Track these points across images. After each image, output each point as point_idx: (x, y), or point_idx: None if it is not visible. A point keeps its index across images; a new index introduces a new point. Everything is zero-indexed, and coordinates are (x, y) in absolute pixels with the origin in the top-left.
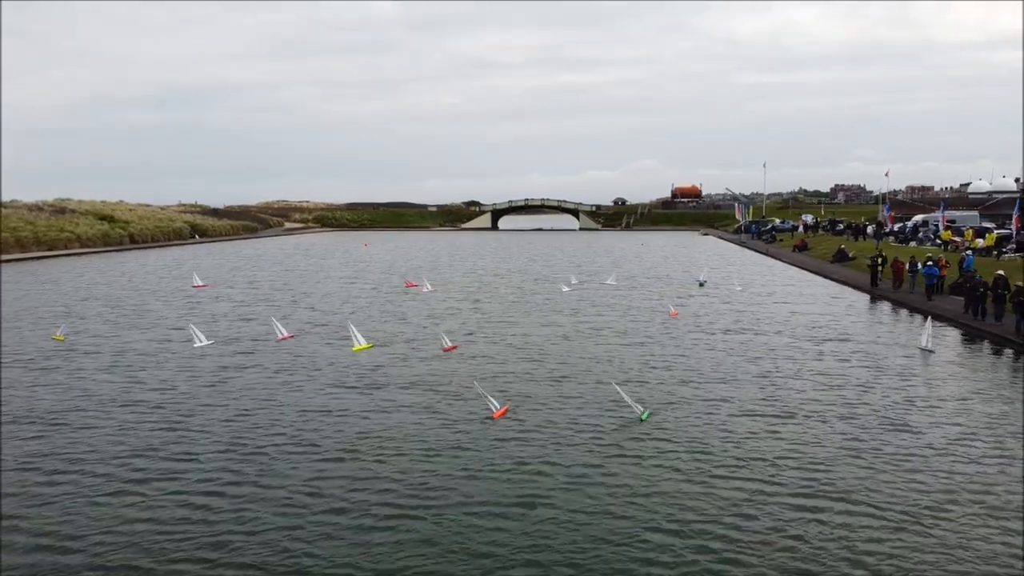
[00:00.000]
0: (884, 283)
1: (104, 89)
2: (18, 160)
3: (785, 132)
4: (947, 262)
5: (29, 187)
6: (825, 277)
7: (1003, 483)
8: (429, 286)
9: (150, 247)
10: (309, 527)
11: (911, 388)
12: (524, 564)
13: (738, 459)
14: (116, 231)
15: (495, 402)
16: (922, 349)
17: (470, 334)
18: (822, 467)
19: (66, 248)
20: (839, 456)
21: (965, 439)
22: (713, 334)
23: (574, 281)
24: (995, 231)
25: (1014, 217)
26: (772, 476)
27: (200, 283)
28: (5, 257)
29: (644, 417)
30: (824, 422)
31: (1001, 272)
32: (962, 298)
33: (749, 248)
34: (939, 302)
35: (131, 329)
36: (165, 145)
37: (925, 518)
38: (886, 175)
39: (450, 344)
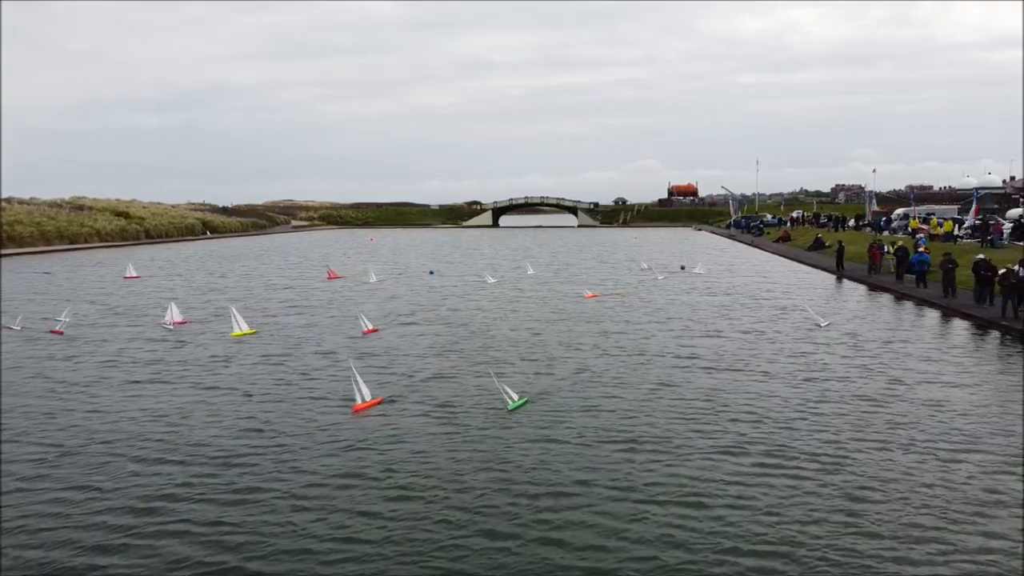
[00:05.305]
0: (858, 268)
1: (105, 90)
2: (22, 161)
3: (786, 132)
4: (927, 248)
5: (32, 187)
6: (799, 262)
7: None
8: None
9: (165, 242)
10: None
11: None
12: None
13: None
14: (132, 227)
15: (366, 392)
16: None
17: (390, 317)
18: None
19: (86, 242)
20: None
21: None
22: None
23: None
24: (967, 222)
25: (972, 208)
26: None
27: (133, 274)
28: (31, 249)
29: (512, 407)
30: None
31: (982, 256)
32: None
33: (737, 240)
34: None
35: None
36: (167, 146)
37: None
38: (873, 171)
39: (370, 327)
